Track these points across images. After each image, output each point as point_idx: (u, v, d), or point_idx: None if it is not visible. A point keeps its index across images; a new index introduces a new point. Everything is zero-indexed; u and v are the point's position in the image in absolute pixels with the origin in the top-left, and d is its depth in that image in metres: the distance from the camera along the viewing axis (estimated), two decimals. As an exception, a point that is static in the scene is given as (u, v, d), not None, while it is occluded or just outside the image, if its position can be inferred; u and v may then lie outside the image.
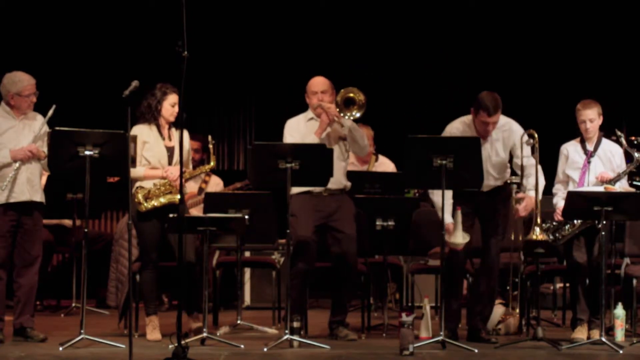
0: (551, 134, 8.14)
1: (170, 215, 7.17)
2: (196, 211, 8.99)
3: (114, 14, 11.26)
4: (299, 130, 7.60)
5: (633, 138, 8.59)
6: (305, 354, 6.90)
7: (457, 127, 7.53)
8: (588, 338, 7.37)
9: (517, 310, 8.17)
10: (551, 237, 7.57)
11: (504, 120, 7.50)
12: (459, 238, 7.33)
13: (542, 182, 7.47)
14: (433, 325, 7.64)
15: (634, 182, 8.47)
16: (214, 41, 11.26)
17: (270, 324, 8.32)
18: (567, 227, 7.54)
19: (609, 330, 7.54)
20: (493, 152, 7.49)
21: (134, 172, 7.32)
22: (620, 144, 7.71)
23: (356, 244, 7.58)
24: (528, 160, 7.45)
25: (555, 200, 7.71)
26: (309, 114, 7.68)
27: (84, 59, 11.25)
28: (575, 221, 7.50)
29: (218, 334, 7.52)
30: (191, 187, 9.53)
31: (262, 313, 9.11)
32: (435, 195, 7.38)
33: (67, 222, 9.65)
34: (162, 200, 7.50)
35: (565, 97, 8.86)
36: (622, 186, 7.59)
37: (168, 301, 9.64)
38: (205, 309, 7.30)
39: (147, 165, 7.56)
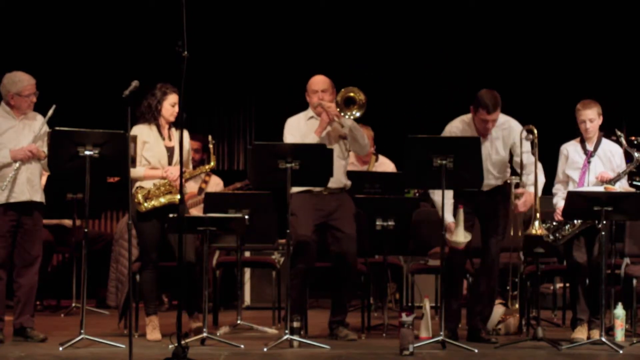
0: (551, 134, 8.14)
1: (170, 215, 7.17)
2: (196, 211, 8.99)
3: (114, 14, 11.26)
4: (299, 129, 7.60)
5: (633, 138, 8.59)
6: (305, 354, 6.90)
7: (457, 125, 7.53)
8: (588, 338, 7.37)
9: (517, 305, 8.13)
10: (551, 237, 7.57)
11: (503, 119, 7.50)
12: (461, 237, 7.32)
13: (542, 180, 7.47)
14: (433, 325, 7.64)
15: (634, 182, 8.47)
16: (214, 41, 11.26)
17: (270, 324, 8.32)
18: (567, 227, 7.54)
19: (609, 330, 7.54)
20: (493, 151, 7.49)
21: (134, 172, 7.33)
22: (620, 144, 7.71)
23: (356, 243, 7.58)
24: (527, 156, 7.43)
25: (555, 200, 7.71)
26: (309, 112, 7.68)
27: (84, 59, 11.25)
28: (575, 221, 7.49)
29: (218, 334, 7.52)
30: (191, 187, 9.53)
31: (262, 313, 9.11)
32: (436, 194, 7.38)
33: (67, 222, 9.65)
34: (162, 200, 7.51)
35: (565, 97, 8.86)
36: (622, 186, 7.59)
37: (168, 301, 9.64)
38: (205, 309, 7.30)
39: (147, 165, 7.56)
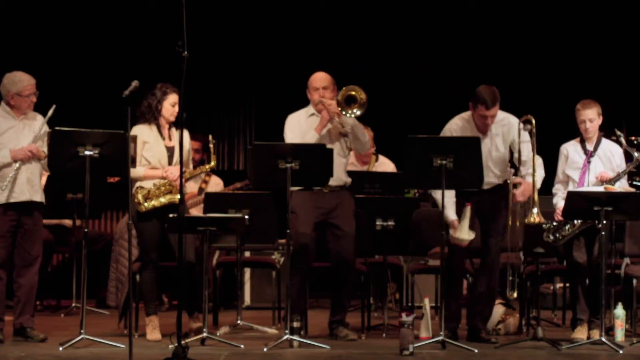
0: (551, 134, 8.14)
1: (170, 215, 7.17)
2: (196, 211, 8.99)
3: (114, 14, 11.26)
4: (300, 126, 7.60)
5: (633, 138, 8.60)
6: (305, 354, 6.90)
7: (457, 123, 7.53)
8: (588, 338, 7.37)
9: (515, 294, 8.06)
10: (551, 237, 7.57)
11: (502, 115, 7.51)
12: (464, 234, 7.31)
13: (541, 174, 7.46)
14: (433, 325, 7.64)
15: (634, 182, 8.48)
16: (214, 41, 11.26)
17: (270, 324, 8.32)
18: (567, 227, 7.54)
19: (609, 330, 7.54)
20: (493, 147, 7.48)
21: (134, 172, 7.33)
22: (620, 144, 7.71)
23: (355, 241, 7.58)
24: (526, 146, 7.43)
25: (555, 200, 7.71)
26: (310, 109, 7.67)
27: (84, 59, 11.25)
28: (575, 221, 7.49)
29: (218, 334, 7.52)
30: (191, 187, 9.53)
31: (262, 313, 9.11)
32: (438, 193, 7.37)
33: (67, 222, 9.65)
34: (162, 200, 7.50)
35: (565, 97, 8.86)
36: (622, 186, 7.59)
37: (168, 301, 9.64)
38: (205, 309, 7.30)
39: (147, 165, 7.56)
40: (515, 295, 7.75)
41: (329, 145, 7.44)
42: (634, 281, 7.90)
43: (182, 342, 6.26)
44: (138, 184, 7.53)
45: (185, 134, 7.21)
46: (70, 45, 11.24)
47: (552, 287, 9.56)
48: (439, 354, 6.91)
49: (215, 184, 9.75)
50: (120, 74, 7.68)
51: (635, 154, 7.59)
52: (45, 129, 7.39)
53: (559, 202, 7.59)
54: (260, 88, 11.69)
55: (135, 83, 6.66)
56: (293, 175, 7.18)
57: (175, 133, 7.59)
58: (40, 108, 7.45)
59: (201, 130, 9.94)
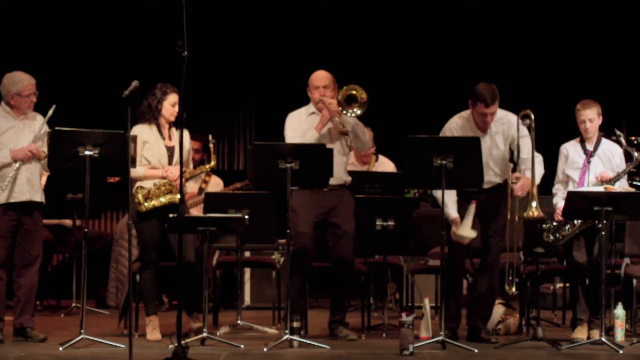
0: (551, 134, 8.14)
1: (170, 215, 7.17)
2: (196, 211, 8.99)
3: (114, 14, 11.26)
4: (300, 124, 7.59)
5: (633, 138, 8.60)
6: (305, 354, 6.90)
7: (457, 121, 7.53)
8: (588, 338, 7.37)
9: (514, 288, 8.03)
10: (551, 237, 7.57)
11: (502, 113, 7.51)
12: (466, 231, 7.29)
13: (541, 171, 7.46)
14: (433, 325, 7.64)
15: (634, 182, 8.48)
16: (214, 41, 11.26)
17: (270, 324, 8.32)
18: (567, 227, 7.54)
19: (609, 330, 7.54)
20: (493, 146, 7.48)
21: (134, 172, 7.33)
22: (620, 144, 7.71)
23: (354, 241, 7.58)
24: (524, 140, 7.42)
25: (555, 200, 7.71)
26: (311, 107, 7.66)
27: (84, 59, 11.25)
28: (575, 221, 7.49)
29: (218, 334, 7.52)
30: (191, 187, 9.53)
31: (262, 313, 9.11)
32: (440, 192, 7.35)
33: (67, 222, 9.65)
34: (163, 200, 7.50)
35: (565, 97, 8.86)
36: (622, 186, 7.59)
37: (168, 301, 9.64)
38: (205, 309, 7.30)
39: (147, 165, 7.56)
40: (514, 289, 7.70)
41: (329, 145, 7.44)
42: (634, 281, 7.90)
43: (182, 342, 6.26)
44: (138, 183, 7.53)
45: (186, 133, 7.21)
46: (70, 45, 11.24)
47: (552, 287, 9.56)
48: (439, 354, 6.91)
49: (215, 184, 9.75)
50: (120, 74, 7.68)
51: (635, 154, 7.59)
52: (45, 129, 7.39)
53: (559, 202, 7.59)
54: (260, 88, 11.69)
55: (135, 83, 6.66)
56: (293, 175, 7.18)
57: (175, 133, 7.59)
58: (40, 108, 7.46)
59: (201, 130, 9.94)
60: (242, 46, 11.52)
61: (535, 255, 7.58)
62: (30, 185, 7.34)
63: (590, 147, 7.64)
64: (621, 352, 6.98)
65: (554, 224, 7.57)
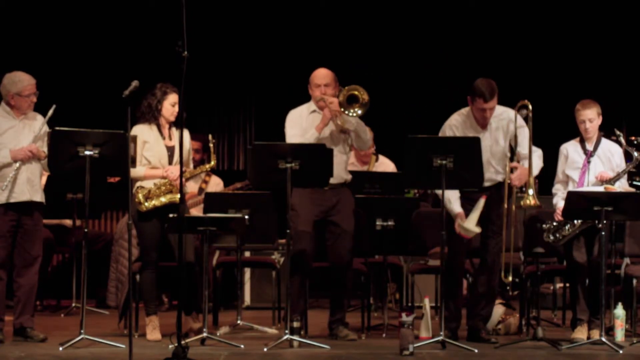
0: (551, 134, 8.14)
1: (170, 215, 7.17)
2: (196, 211, 8.99)
3: (114, 14, 11.26)
4: (301, 123, 7.58)
5: (633, 138, 8.60)
6: (305, 354, 6.90)
7: (456, 118, 7.53)
8: (588, 338, 7.37)
9: (510, 277, 7.94)
10: (551, 237, 7.57)
11: (501, 109, 7.51)
12: (472, 225, 7.27)
13: (539, 164, 7.46)
14: (433, 325, 7.64)
15: (634, 182, 8.48)
16: (214, 41, 11.26)
17: (270, 324, 8.32)
18: (567, 227, 7.54)
19: (609, 330, 7.54)
20: (493, 142, 7.47)
21: (135, 172, 7.33)
22: (620, 144, 7.71)
23: (353, 240, 7.58)
24: (522, 130, 7.42)
25: (555, 200, 7.71)
26: (312, 105, 7.66)
27: (84, 59, 11.25)
28: (575, 221, 7.49)
29: (218, 334, 7.52)
30: (191, 187, 9.53)
31: (262, 313, 9.11)
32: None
33: (67, 222, 9.65)
34: (163, 199, 7.51)
35: (565, 97, 8.86)
36: (622, 186, 7.59)
37: (168, 301, 9.64)
38: (205, 309, 7.29)
39: (148, 165, 7.56)
40: (510, 279, 7.63)
41: (329, 144, 7.44)
42: (634, 281, 7.90)
43: (182, 342, 6.26)
44: (138, 183, 7.53)
45: (186, 133, 7.21)
46: (70, 45, 11.25)
47: (552, 287, 9.56)
48: (439, 354, 6.91)
49: (215, 184, 9.75)
50: (120, 74, 7.68)
51: (635, 154, 7.60)
52: (45, 129, 7.39)
53: (559, 202, 7.59)
54: (260, 88, 11.69)
55: (135, 83, 6.66)
56: (293, 175, 7.18)
57: (175, 133, 7.59)
58: (40, 108, 7.45)
59: (201, 130, 9.94)
60: (242, 46, 11.52)
61: (535, 255, 7.58)
62: (30, 185, 7.34)
63: (590, 147, 7.64)
64: (621, 352, 6.98)
65: (554, 224, 7.57)
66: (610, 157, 7.65)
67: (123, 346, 6.85)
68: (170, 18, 6.71)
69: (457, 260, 7.49)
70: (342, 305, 7.66)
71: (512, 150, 7.55)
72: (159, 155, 7.56)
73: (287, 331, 7.11)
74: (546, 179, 7.85)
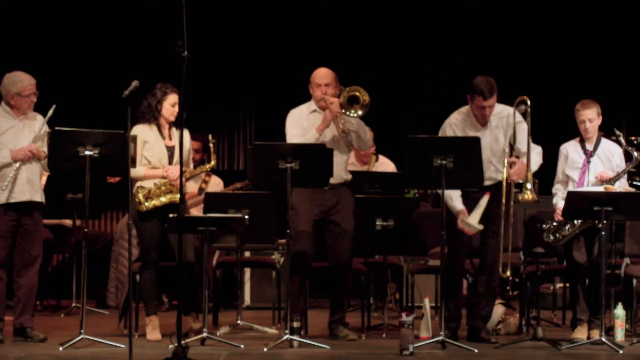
0: (551, 134, 8.14)
1: (170, 215, 7.17)
2: (196, 211, 8.99)
3: (114, 14, 11.26)
4: (301, 123, 7.58)
5: (633, 138, 8.60)
6: (305, 354, 6.90)
7: (456, 117, 7.53)
8: (588, 338, 7.37)
9: (508, 272, 7.90)
10: (551, 237, 7.57)
11: (501, 107, 7.51)
12: (475, 221, 7.26)
13: (539, 161, 7.45)
14: (433, 325, 7.64)
15: (634, 182, 8.47)
16: (214, 41, 11.26)
17: (270, 324, 8.32)
18: (567, 227, 7.54)
19: (609, 330, 7.54)
20: (494, 140, 7.47)
21: (135, 172, 7.33)
22: (620, 144, 7.72)
23: (353, 239, 7.58)
24: (520, 126, 7.42)
25: (555, 200, 7.71)
26: (312, 105, 7.65)
27: (84, 59, 11.25)
28: (575, 221, 7.49)
29: (218, 334, 7.52)
30: (191, 187, 9.53)
31: (262, 313, 9.11)
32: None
33: (67, 222, 9.65)
34: (163, 199, 7.51)
35: (565, 97, 8.86)
36: (622, 186, 7.59)
37: (168, 301, 9.64)
38: (205, 309, 7.30)
39: (148, 165, 7.56)
40: (508, 274, 7.62)
41: (329, 144, 7.44)
42: (634, 281, 7.90)
43: (182, 342, 6.26)
44: (139, 183, 7.53)
45: (186, 133, 7.21)
46: (70, 45, 11.25)
47: (552, 287, 9.56)
48: (439, 354, 6.91)
49: (215, 184, 9.75)
50: (120, 74, 7.68)
51: (635, 154, 7.60)
52: (45, 129, 7.39)
53: (559, 202, 7.59)
54: (260, 87, 11.70)
55: (135, 83, 6.66)
56: (293, 175, 7.18)
57: (175, 133, 7.59)
58: (40, 108, 7.45)
59: (201, 129, 9.94)
60: (242, 46, 11.52)
61: (535, 255, 7.58)
62: (30, 185, 7.34)
63: (590, 147, 7.64)
64: (621, 352, 6.98)
65: (554, 224, 7.57)
66: (610, 157, 7.65)
67: (123, 346, 6.85)
68: (170, 18, 6.71)
69: (457, 260, 7.49)
70: (342, 305, 7.66)
71: (512, 147, 7.55)
72: (159, 155, 7.56)
73: (287, 331, 7.11)
74: (546, 179, 7.85)
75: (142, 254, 7.61)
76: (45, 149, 7.33)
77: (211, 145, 7.94)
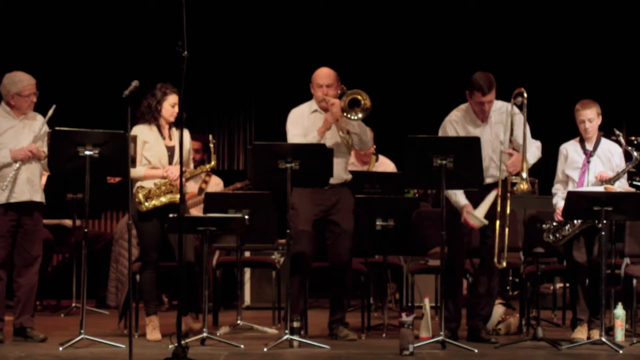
0: (551, 134, 8.14)
1: (170, 215, 7.17)
2: (196, 211, 8.99)
3: (114, 14, 11.27)
4: (302, 122, 7.57)
5: (633, 138, 8.60)
6: (305, 354, 6.90)
7: (456, 114, 7.53)
8: (588, 338, 7.37)
9: (504, 263, 7.84)
10: (551, 237, 7.57)
11: (500, 103, 7.51)
12: (481, 215, 7.23)
13: (537, 154, 7.45)
14: (433, 325, 7.64)
15: (634, 182, 8.47)
16: (214, 41, 11.27)
17: (270, 324, 8.32)
18: (567, 227, 7.53)
19: (609, 330, 7.54)
20: (494, 137, 7.47)
21: (135, 172, 7.33)
22: (620, 144, 7.72)
23: (352, 239, 7.58)
24: (517, 118, 7.41)
25: (555, 200, 7.71)
26: (313, 105, 7.64)
27: (84, 59, 11.25)
28: (575, 221, 7.49)
29: (218, 334, 7.52)
30: (191, 187, 9.53)
31: (262, 313, 9.11)
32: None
33: (67, 222, 9.65)
34: (163, 199, 7.51)
35: (565, 97, 8.86)
36: (622, 186, 7.59)
37: (168, 301, 9.64)
38: (205, 309, 7.30)
39: (148, 165, 7.56)
40: (504, 264, 7.57)
41: (330, 145, 7.44)
42: (634, 281, 7.90)
43: (182, 342, 6.26)
44: (139, 183, 7.53)
45: (186, 133, 7.21)
46: (70, 45, 11.25)
47: (552, 287, 9.56)
48: (439, 354, 6.91)
49: (215, 184, 9.75)
50: (120, 74, 7.68)
51: (635, 154, 7.60)
52: (45, 129, 7.39)
53: (559, 202, 7.59)
54: (260, 87, 11.70)
55: (135, 83, 6.66)
56: (293, 175, 7.18)
57: (175, 133, 7.59)
58: (40, 108, 7.45)
59: (201, 130, 9.95)
60: (242, 46, 11.52)
61: (535, 255, 7.58)
62: (30, 185, 7.34)
63: (589, 147, 7.64)
64: (621, 352, 6.98)
65: (554, 224, 7.57)
66: (610, 157, 7.65)
67: (123, 346, 6.85)
68: (170, 18, 6.71)
69: (457, 260, 7.48)
70: (342, 305, 7.66)
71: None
72: (159, 155, 7.56)
73: (287, 331, 7.11)
74: (546, 179, 7.85)
75: (142, 254, 7.61)
76: (45, 149, 7.33)
77: (211, 145, 7.95)
